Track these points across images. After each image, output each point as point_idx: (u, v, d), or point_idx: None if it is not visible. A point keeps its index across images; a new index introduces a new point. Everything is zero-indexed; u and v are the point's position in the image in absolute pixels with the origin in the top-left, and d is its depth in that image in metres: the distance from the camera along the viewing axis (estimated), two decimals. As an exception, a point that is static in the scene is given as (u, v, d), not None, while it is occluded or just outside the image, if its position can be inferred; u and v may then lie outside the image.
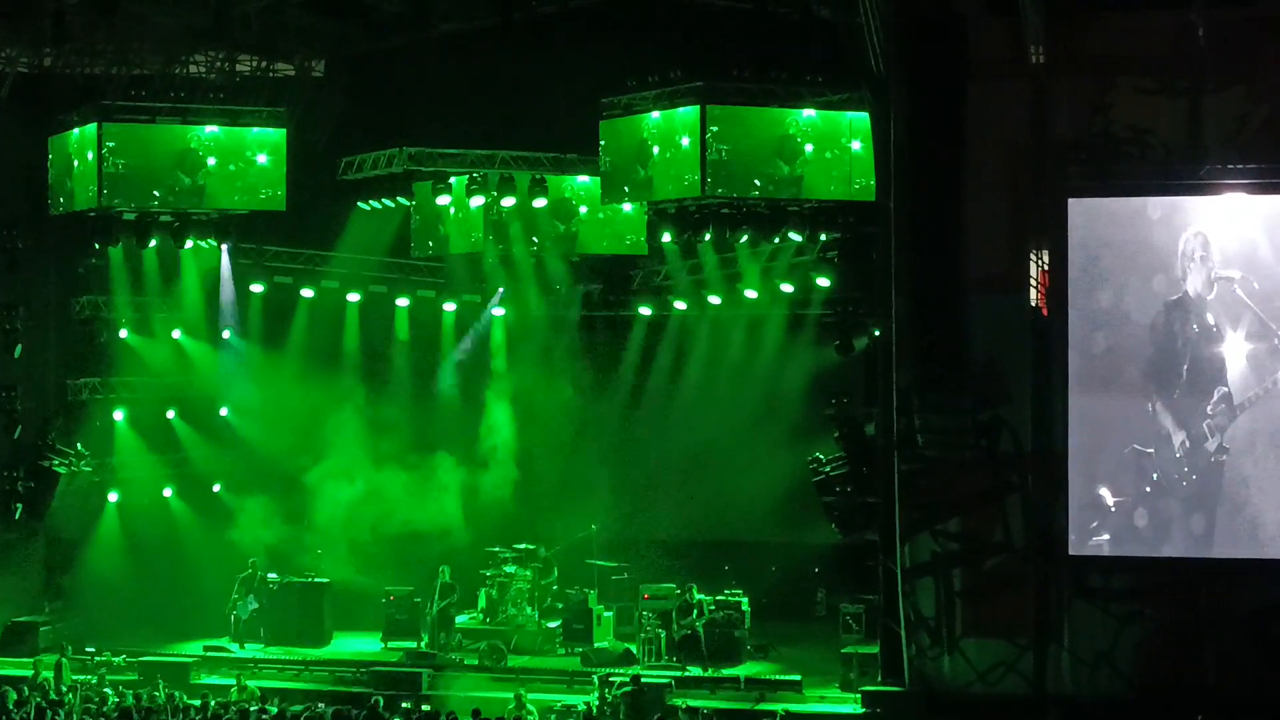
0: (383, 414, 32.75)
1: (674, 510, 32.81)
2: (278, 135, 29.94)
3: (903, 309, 26.10)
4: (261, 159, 29.81)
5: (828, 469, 28.66)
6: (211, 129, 29.57)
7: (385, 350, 33.71)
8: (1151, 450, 25.28)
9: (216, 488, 32.92)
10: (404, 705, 24.78)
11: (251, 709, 24.29)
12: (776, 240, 29.83)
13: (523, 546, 31.26)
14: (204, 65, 32.04)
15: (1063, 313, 25.43)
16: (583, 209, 31.76)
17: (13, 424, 30.96)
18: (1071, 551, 25.46)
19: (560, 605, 30.83)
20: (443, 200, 31.49)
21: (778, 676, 27.71)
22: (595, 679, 26.75)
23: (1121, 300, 25.34)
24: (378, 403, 32.89)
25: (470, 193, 31.08)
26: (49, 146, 30.71)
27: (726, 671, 28.04)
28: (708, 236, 29.28)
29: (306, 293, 32.99)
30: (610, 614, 30.56)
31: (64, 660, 27.55)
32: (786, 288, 31.30)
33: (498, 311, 33.74)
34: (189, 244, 30.51)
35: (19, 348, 30.82)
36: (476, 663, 29.04)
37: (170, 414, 33.02)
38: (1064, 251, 25.39)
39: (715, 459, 32.14)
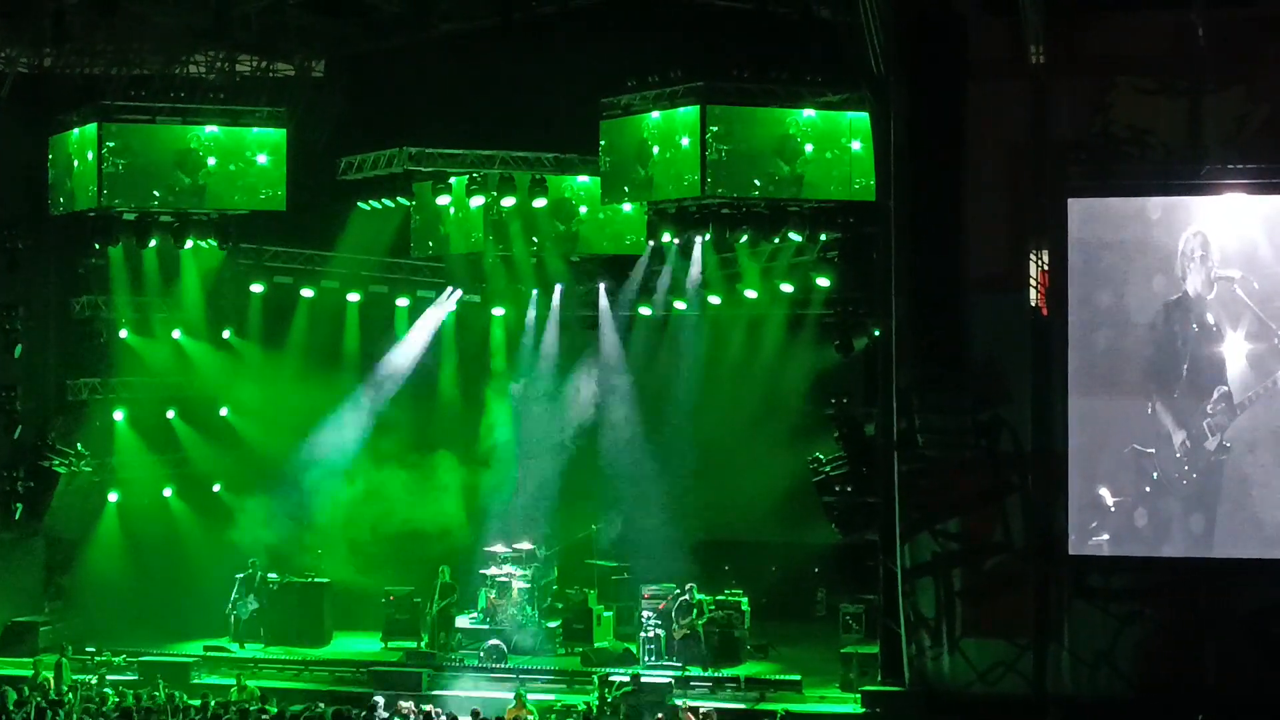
0: (383, 414, 32.74)
1: (674, 510, 32.76)
2: (278, 135, 29.94)
3: (903, 309, 26.10)
4: (261, 159, 29.82)
5: (828, 469, 28.68)
6: (211, 129, 29.58)
7: (385, 350, 33.71)
8: (1151, 450, 25.28)
9: (216, 488, 32.92)
10: (404, 705, 24.73)
11: (251, 709, 24.29)
12: (776, 240, 29.83)
13: (523, 546, 31.26)
14: (204, 65, 32.01)
15: (1063, 313, 25.43)
16: (583, 209, 31.75)
17: (13, 424, 30.98)
18: (1071, 551, 25.46)
19: (560, 605, 30.85)
20: (443, 200, 31.47)
21: (778, 676, 27.73)
22: (595, 679, 26.76)
23: (1121, 300, 25.34)
24: (378, 402, 32.89)
25: (470, 193, 31.07)
26: (49, 146, 30.72)
27: (726, 671, 28.05)
28: (708, 236, 29.29)
29: (306, 293, 32.99)
30: (610, 614, 30.56)
31: (64, 660, 27.54)
32: (786, 288, 31.30)
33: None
34: (189, 244, 30.53)
35: (19, 348, 30.82)
36: (476, 663, 29.05)
37: (170, 414, 33.02)
38: (1064, 251, 25.39)
39: (715, 459, 32.11)
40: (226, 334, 33.16)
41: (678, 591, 29.37)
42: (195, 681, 27.91)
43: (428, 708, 24.54)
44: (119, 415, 32.30)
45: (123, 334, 32.45)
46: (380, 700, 24.84)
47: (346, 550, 31.66)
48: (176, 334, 32.87)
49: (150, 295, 32.34)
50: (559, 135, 30.87)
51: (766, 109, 27.76)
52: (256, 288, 32.69)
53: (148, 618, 30.97)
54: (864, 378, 29.15)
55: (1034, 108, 25.58)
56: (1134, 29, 25.42)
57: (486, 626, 30.18)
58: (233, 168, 29.66)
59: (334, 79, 32.79)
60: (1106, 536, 25.42)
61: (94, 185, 29.08)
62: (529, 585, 30.56)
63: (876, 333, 27.80)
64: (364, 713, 23.73)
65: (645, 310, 33.17)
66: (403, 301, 33.61)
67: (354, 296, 33.22)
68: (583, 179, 31.38)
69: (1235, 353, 25.05)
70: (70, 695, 25.74)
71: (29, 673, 27.76)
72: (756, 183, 27.74)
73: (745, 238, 29.51)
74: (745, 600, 29.52)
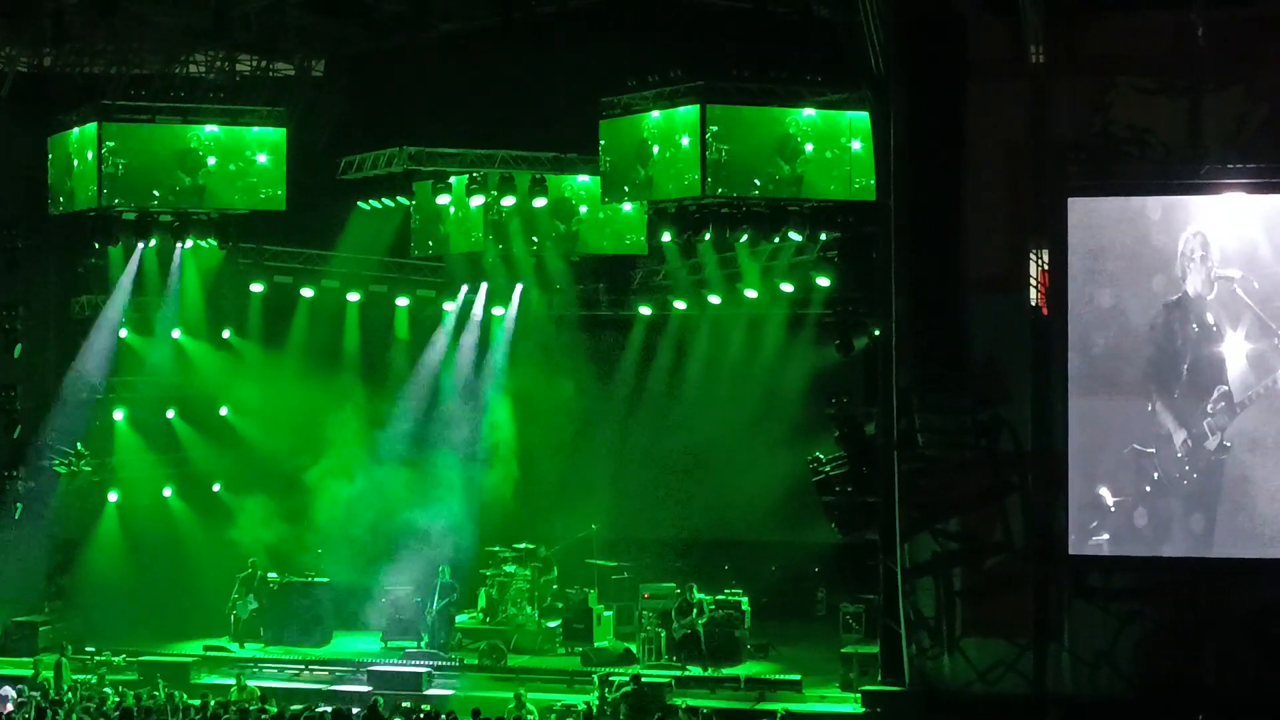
0: (383, 413, 32.75)
1: (674, 510, 32.81)
2: (278, 135, 29.96)
3: (903, 309, 26.09)
4: (261, 159, 29.83)
5: (828, 469, 28.64)
6: (211, 129, 29.59)
7: (385, 350, 33.71)
8: (1151, 450, 25.27)
9: (216, 488, 32.91)
10: (404, 705, 24.76)
11: (251, 709, 24.26)
12: (776, 240, 29.83)
13: (523, 546, 31.26)
14: (204, 65, 32.07)
15: (1063, 313, 25.42)
16: (583, 209, 31.77)
17: (13, 424, 30.96)
18: (1071, 551, 25.45)
19: (560, 605, 30.85)
20: (443, 200, 31.50)
21: (778, 676, 27.71)
22: (595, 679, 26.76)
23: (1121, 300, 25.33)
24: (378, 402, 32.89)
25: (470, 192, 31.08)
26: (49, 146, 30.73)
27: (726, 671, 28.04)
28: (708, 236, 29.29)
29: (306, 292, 32.99)
30: (610, 614, 30.55)
31: (64, 660, 27.56)
32: (786, 287, 31.30)
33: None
34: (189, 243, 30.53)
35: (19, 348, 30.82)
36: (476, 663, 29.05)
37: (170, 414, 33.02)
38: (1064, 251, 25.38)
39: (715, 459, 32.15)
40: (226, 334, 33.16)
41: (678, 591, 29.38)
42: (195, 681, 27.91)
43: (428, 708, 24.54)
44: (119, 415, 32.31)
45: (123, 334, 32.45)
46: (380, 700, 24.83)
47: (346, 550, 31.61)
48: (176, 334, 32.88)
49: (150, 295, 32.34)
50: (559, 135, 30.89)
51: (766, 109, 27.77)
52: (256, 287, 32.69)
53: (147, 618, 30.93)
54: (864, 377, 29.12)
55: (1034, 108, 25.56)
56: (1134, 29, 25.41)
57: (487, 626, 30.20)
58: (232, 167, 29.68)
59: (334, 79, 32.83)
60: (1106, 536, 25.41)
61: (94, 185, 29.09)
62: (529, 585, 30.58)
63: (876, 332, 27.79)
64: (364, 712, 23.71)
65: (645, 310, 33.18)
66: (402, 301, 33.61)
67: (354, 296, 33.22)
68: (583, 178, 31.39)
69: (1235, 352, 25.04)
70: (70, 695, 25.74)
71: (29, 673, 27.77)
72: (756, 182, 27.75)
73: (745, 237, 29.51)
74: (745, 600, 29.51)
